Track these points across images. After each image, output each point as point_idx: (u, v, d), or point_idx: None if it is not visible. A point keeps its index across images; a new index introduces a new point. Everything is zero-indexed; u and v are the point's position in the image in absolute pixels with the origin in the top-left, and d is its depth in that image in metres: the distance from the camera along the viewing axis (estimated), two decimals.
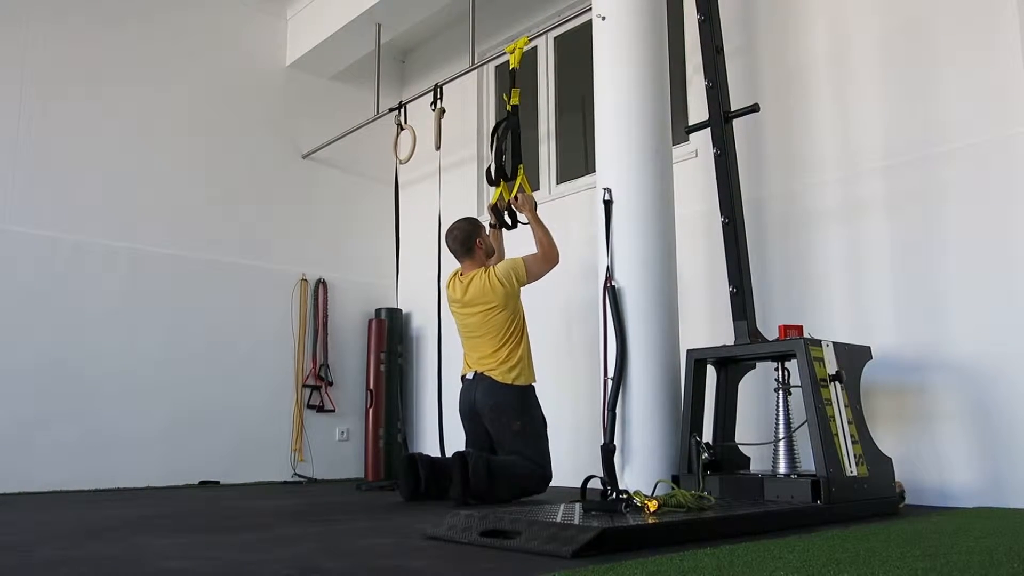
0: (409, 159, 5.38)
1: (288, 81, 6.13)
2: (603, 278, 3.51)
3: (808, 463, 3.03)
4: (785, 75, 4.15)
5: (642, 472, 3.29)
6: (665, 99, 3.63)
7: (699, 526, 2.38)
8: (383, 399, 5.80)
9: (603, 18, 3.67)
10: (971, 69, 3.50)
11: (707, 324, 4.19)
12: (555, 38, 5.56)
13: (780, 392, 3.23)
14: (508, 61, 4.37)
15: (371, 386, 5.82)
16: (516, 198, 4.15)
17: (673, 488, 2.79)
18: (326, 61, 6.09)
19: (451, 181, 5.81)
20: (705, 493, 2.76)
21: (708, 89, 3.64)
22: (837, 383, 3.04)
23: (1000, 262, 3.33)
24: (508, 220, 4.25)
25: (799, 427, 3.11)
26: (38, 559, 2.15)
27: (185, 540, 2.49)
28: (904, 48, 3.73)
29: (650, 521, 2.32)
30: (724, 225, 3.50)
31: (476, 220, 4.26)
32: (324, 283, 6.02)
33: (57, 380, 4.82)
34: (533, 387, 4.00)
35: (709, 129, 3.65)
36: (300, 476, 5.67)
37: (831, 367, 3.06)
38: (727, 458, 3.36)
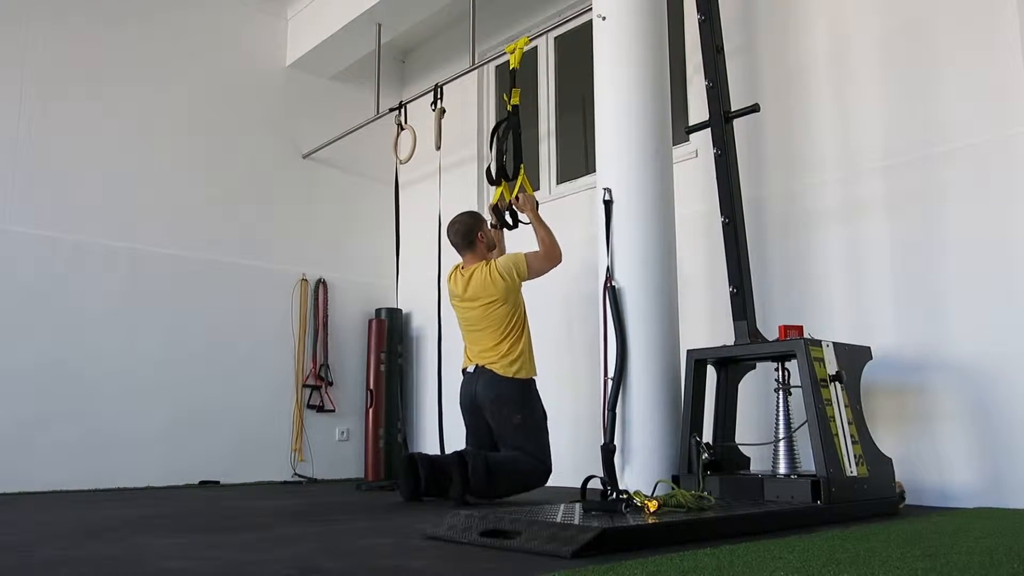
0: (409, 159, 5.38)
1: (288, 81, 6.13)
2: (603, 278, 3.51)
3: (808, 463, 3.03)
4: (785, 75, 4.15)
5: (642, 472, 3.29)
6: (665, 99, 3.63)
7: (699, 526, 2.38)
8: (383, 399, 5.80)
9: (603, 18, 3.67)
10: (971, 69, 3.50)
11: (707, 324, 4.19)
12: (555, 38, 5.56)
13: (780, 392, 3.23)
14: (508, 61, 4.37)
15: (371, 386, 5.82)
16: (517, 198, 4.14)
17: (673, 488, 2.79)
18: (326, 61, 6.08)
19: (451, 181, 5.81)
20: (705, 493, 2.77)
21: (708, 89, 3.64)
22: (837, 383, 3.04)
23: (1000, 262, 3.33)
24: (509, 220, 4.25)
25: (799, 427, 3.11)
26: (38, 559, 2.15)
27: (185, 540, 2.49)
28: (904, 48, 3.73)
29: (650, 521, 2.32)
30: (724, 225, 3.50)
31: (478, 214, 4.26)
32: (324, 283, 6.02)
33: (57, 380, 4.82)
34: (534, 380, 3.99)
35: (709, 129, 3.65)
36: (300, 476, 5.67)
37: (831, 367, 3.06)
38: (727, 458, 3.36)
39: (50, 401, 4.78)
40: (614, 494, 2.85)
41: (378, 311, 6.07)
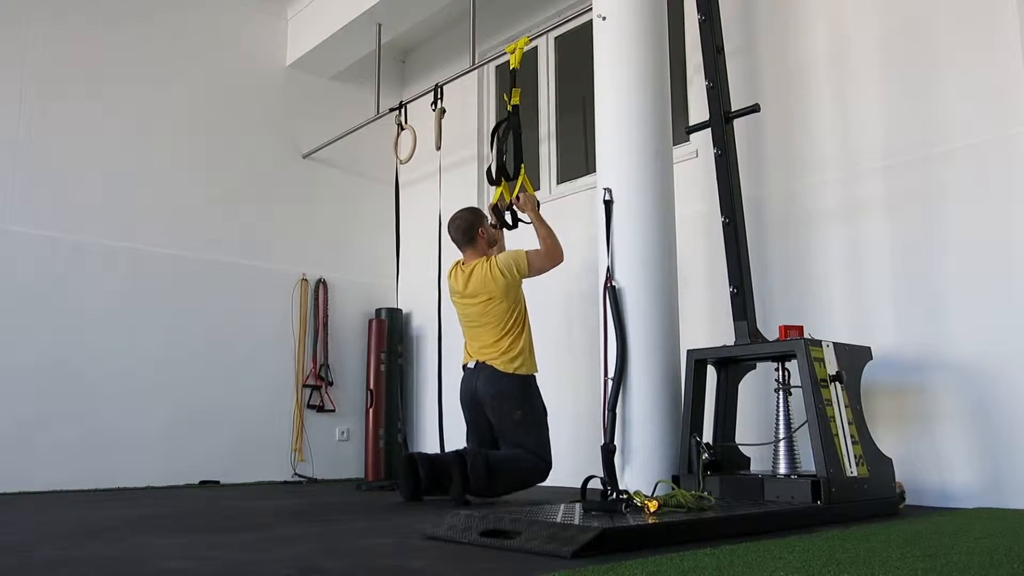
0: (409, 159, 5.38)
1: (288, 81, 6.13)
2: (603, 278, 3.51)
3: (808, 463, 3.03)
4: (785, 75, 4.15)
5: (642, 472, 3.29)
6: (665, 99, 3.63)
7: (699, 526, 2.38)
8: (383, 399, 5.80)
9: (603, 18, 3.67)
10: (971, 69, 3.50)
11: (707, 324, 4.19)
12: (555, 38, 5.56)
13: (780, 392, 3.23)
14: (508, 61, 4.37)
15: (371, 386, 5.82)
16: (518, 198, 4.14)
17: (673, 488, 2.78)
18: (326, 61, 6.08)
19: (451, 181, 5.81)
20: (705, 493, 2.76)
21: (708, 89, 3.64)
22: (837, 383, 3.04)
23: (1000, 262, 3.33)
24: (508, 220, 4.25)
25: (799, 427, 3.11)
26: (38, 559, 2.15)
27: (185, 540, 2.49)
28: (904, 48, 3.73)
29: (650, 521, 2.32)
30: (724, 225, 3.50)
31: (478, 210, 4.25)
32: (324, 283, 6.02)
33: (57, 380, 4.82)
34: (535, 377, 3.99)
35: (709, 129, 3.65)
36: (300, 476, 5.67)
37: (831, 367, 3.06)
38: (727, 458, 3.36)
39: (50, 401, 4.78)
40: (614, 494, 2.85)
41: (378, 311, 6.07)
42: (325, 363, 5.92)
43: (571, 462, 4.55)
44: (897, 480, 3.15)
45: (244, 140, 5.81)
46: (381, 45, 5.71)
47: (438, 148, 5.11)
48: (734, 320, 3.41)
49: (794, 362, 3.09)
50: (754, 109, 3.59)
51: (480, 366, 3.95)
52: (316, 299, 5.98)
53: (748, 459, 3.45)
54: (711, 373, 3.45)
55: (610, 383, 3.39)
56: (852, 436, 3.00)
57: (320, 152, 6.07)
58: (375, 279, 6.29)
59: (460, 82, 5.45)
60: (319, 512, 3.36)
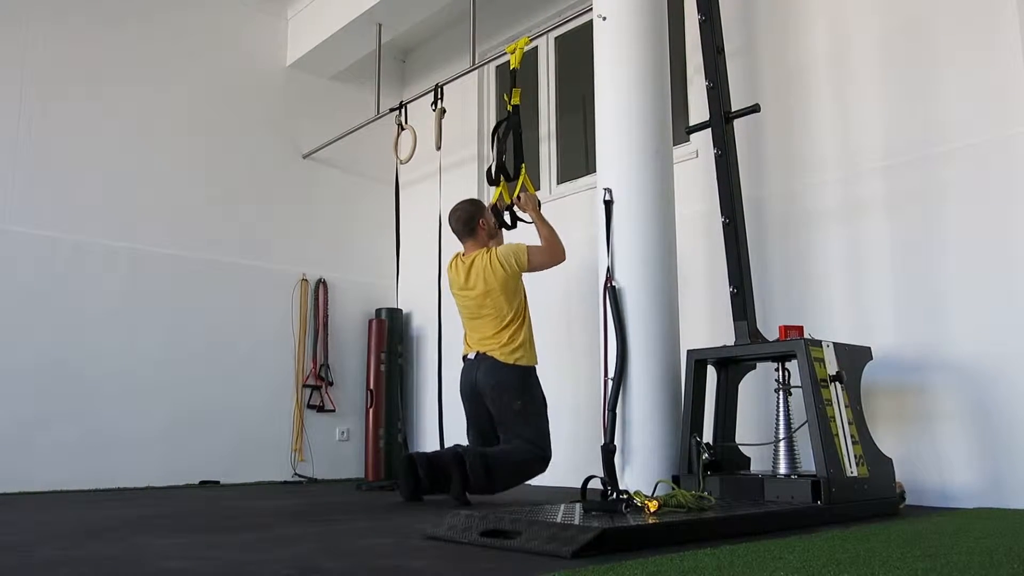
0: (409, 159, 5.38)
1: (288, 81, 6.13)
2: (603, 278, 3.51)
3: (808, 463, 3.03)
4: (785, 75, 4.15)
5: (642, 472, 3.29)
6: (665, 99, 3.63)
7: (699, 526, 2.38)
8: (383, 399, 5.80)
9: (603, 18, 3.67)
10: (971, 69, 3.50)
11: (707, 324, 4.19)
12: (556, 38, 5.56)
13: (780, 392, 3.23)
14: (509, 61, 4.37)
15: (371, 386, 5.82)
16: (519, 198, 4.14)
17: (673, 488, 2.79)
18: (326, 61, 6.08)
19: (451, 181, 5.81)
20: (705, 493, 2.76)
21: (709, 89, 3.64)
22: (837, 383, 3.04)
23: (1000, 262, 3.33)
24: (508, 220, 4.24)
25: (799, 427, 3.11)
26: (38, 559, 2.15)
27: (185, 540, 2.49)
28: (904, 48, 3.73)
29: (650, 521, 2.32)
30: (724, 225, 3.50)
31: (479, 201, 4.25)
32: (324, 283, 6.02)
33: (57, 380, 4.82)
34: (535, 368, 3.98)
35: (710, 129, 3.65)
36: (300, 476, 5.67)
37: (831, 367, 3.06)
38: (727, 458, 3.36)
39: (50, 401, 4.78)
40: (614, 494, 2.85)
41: (378, 311, 6.07)
42: (325, 363, 5.92)
43: (571, 462, 4.55)
44: (897, 480, 3.15)
45: (244, 140, 5.81)
46: (381, 45, 5.71)
47: (438, 148, 5.11)
48: (734, 320, 3.41)
49: (794, 362, 3.09)
50: (754, 109, 3.59)
51: (480, 357, 3.95)
52: (316, 299, 5.98)
53: (748, 459, 3.45)
54: (711, 373, 3.45)
55: (610, 383, 3.39)
56: (852, 436, 3.00)
57: (320, 152, 6.07)
58: (375, 279, 6.29)
59: (460, 82, 5.45)
60: (319, 512, 3.36)
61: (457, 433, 4.23)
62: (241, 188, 5.75)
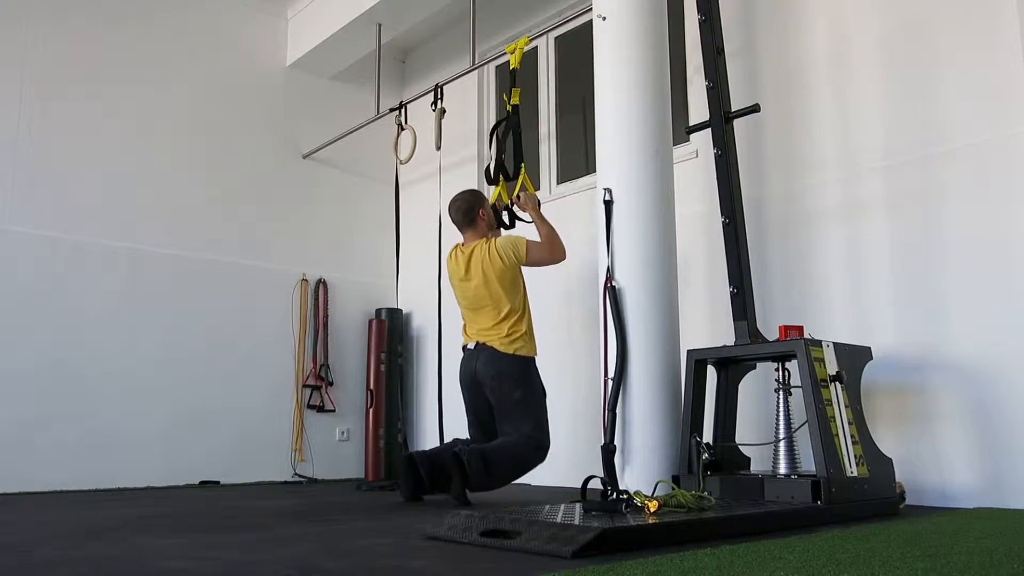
0: (409, 159, 5.38)
1: (288, 81, 6.13)
2: (603, 278, 3.51)
3: (808, 463, 3.03)
4: (785, 75, 4.15)
5: (642, 472, 3.29)
6: (665, 99, 3.63)
7: (699, 526, 2.38)
8: (383, 399, 5.80)
9: (603, 18, 3.67)
10: (971, 69, 3.50)
11: (707, 324, 4.19)
12: (556, 38, 5.56)
13: (780, 392, 3.23)
14: (509, 61, 4.37)
15: (371, 386, 5.82)
16: (519, 197, 4.14)
17: (673, 488, 2.79)
18: (326, 61, 6.08)
19: (451, 181, 5.80)
20: (705, 493, 2.76)
21: (709, 89, 3.64)
22: (837, 383, 3.04)
23: (1000, 262, 3.33)
24: (506, 220, 4.24)
25: (799, 427, 3.11)
26: (38, 559, 2.15)
27: (185, 540, 2.49)
28: (904, 48, 3.73)
29: (650, 521, 2.32)
30: (724, 225, 3.50)
31: (479, 192, 4.25)
32: (324, 283, 6.02)
33: (57, 380, 4.82)
34: (534, 359, 3.98)
35: (710, 129, 3.65)
36: (300, 476, 5.67)
37: (831, 367, 3.06)
38: (727, 458, 3.36)
39: (50, 401, 4.78)
40: (614, 494, 2.85)
41: (378, 311, 6.07)
42: (325, 363, 5.92)
43: (571, 462, 4.55)
44: (897, 480, 3.15)
45: (244, 140, 5.81)
46: (381, 45, 5.71)
47: (438, 148, 5.11)
48: (734, 320, 3.41)
49: (794, 362, 3.09)
50: (754, 109, 3.59)
51: (480, 347, 3.95)
52: (316, 299, 5.98)
53: (748, 459, 3.44)
54: (711, 373, 3.45)
55: (610, 383, 3.39)
56: (852, 436, 3.00)
57: (320, 152, 6.07)
58: (375, 279, 6.29)
59: (460, 82, 5.45)
60: (319, 512, 3.36)
61: (457, 432, 4.23)
62: (241, 188, 5.75)
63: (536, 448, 3.85)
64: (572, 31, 5.35)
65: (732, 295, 3.43)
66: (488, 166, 4.30)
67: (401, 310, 6.12)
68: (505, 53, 4.49)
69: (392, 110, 5.52)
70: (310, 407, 5.82)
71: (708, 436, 3.34)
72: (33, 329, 4.78)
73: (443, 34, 6.28)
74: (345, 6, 5.60)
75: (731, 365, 3.47)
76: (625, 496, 2.65)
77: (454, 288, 4.12)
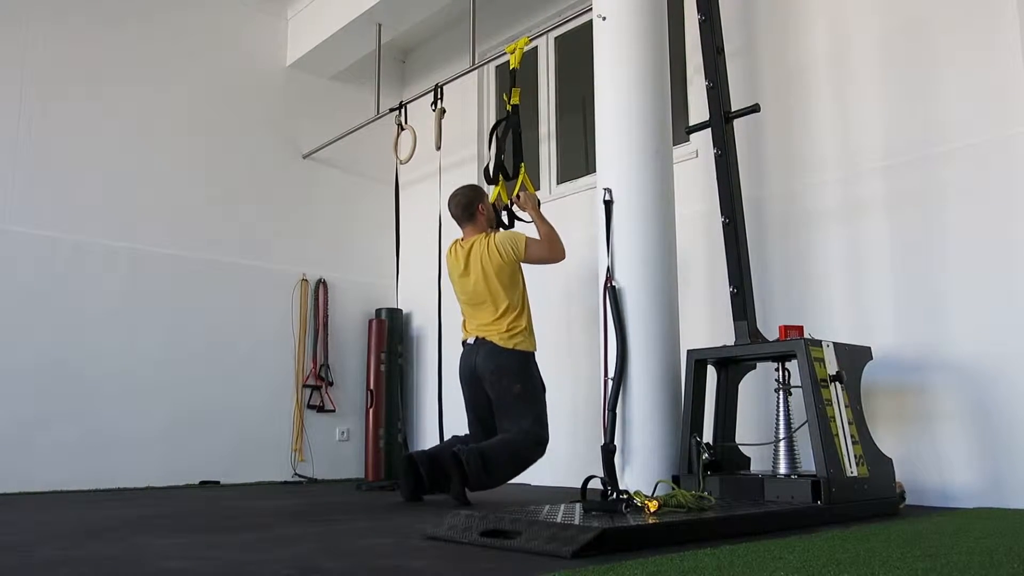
0: (409, 159, 5.38)
1: (288, 81, 6.13)
2: (603, 278, 3.51)
3: (808, 463, 3.03)
4: (785, 75, 4.15)
5: (642, 472, 3.29)
6: (665, 99, 3.63)
7: (699, 526, 2.38)
8: (383, 399, 5.80)
9: (603, 18, 3.67)
10: (971, 69, 3.50)
11: (707, 324, 4.19)
12: (556, 38, 5.56)
13: (780, 392, 3.23)
14: (508, 61, 4.37)
15: (371, 386, 5.82)
16: (519, 197, 4.14)
17: (673, 488, 2.79)
18: (326, 61, 6.08)
19: (451, 181, 5.77)
20: (705, 493, 2.76)
21: (708, 89, 3.64)
22: (837, 383, 3.04)
23: (1000, 262, 3.33)
24: (505, 219, 4.24)
25: (799, 427, 3.11)
26: (38, 559, 2.15)
27: (185, 540, 2.49)
28: (904, 48, 3.73)
29: (650, 521, 2.32)
30: (724, 225, 3.50)
31: (478, 187, 4.24)
32: (324, 283, 6.02)
33: (57, 380, 4.82)
34: (533, 354, 3.98)
35: (710, 129, 3.65)
36: (300, 476, 5.67)
37: (831, 367, 3.06)
38: (727, 458, 3.36)
39: (50, 401, 4.78)
40: (614, 494, 2.85)
41: (378, 311, 6.07)
42: (325, 363, 5.92)
43: (571, 462, 4.55)
44: (897, 480, 3.15)
45: (244, 140, 5.81)
46: (381, 45, 5.71)
47: (438, 148, 5.11)
48: (734, 320, 3.41)
49: (794, 362, 3.09)
50: (754, 109, 3.59)
51: (480, 342, 3.94)
52: (316, 299, 5.98)
53: (748, 459, 3.44)
54: (711, 373, 3.45)
55: (610, 383, 3.39)
56: (852, 436, 3.00)
57: (320, 152, 6.07)
58: (375, 279, 6.29)
59: (460, 82, 5.45)
60: (319, 512, 3.36)
61: (457, 430, 4.22)
62: (241, 188, 5.75)
63: (535, 443, 3.85)
64: (572, 31, 5.35)
65: (732, 295, 3.43)
66: (488, 166, 4.30)
67: (401, 310, 6.12)
68: (505, 53, 4.49)
69: (392, 110, 5.52)
70: (310, 407, 5.83)
71: (708, 436, 3.34)
72: (33, 329, 4.78)
73: (443, 34, 6.28)
74: (345, 6, 5.60)
75: (731, 365, 3.47)
76: (625, 496, 2.65)
77: (453, 284, 4.12)
